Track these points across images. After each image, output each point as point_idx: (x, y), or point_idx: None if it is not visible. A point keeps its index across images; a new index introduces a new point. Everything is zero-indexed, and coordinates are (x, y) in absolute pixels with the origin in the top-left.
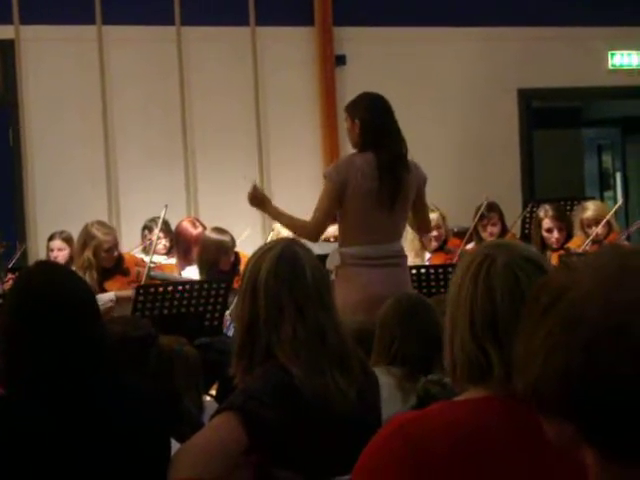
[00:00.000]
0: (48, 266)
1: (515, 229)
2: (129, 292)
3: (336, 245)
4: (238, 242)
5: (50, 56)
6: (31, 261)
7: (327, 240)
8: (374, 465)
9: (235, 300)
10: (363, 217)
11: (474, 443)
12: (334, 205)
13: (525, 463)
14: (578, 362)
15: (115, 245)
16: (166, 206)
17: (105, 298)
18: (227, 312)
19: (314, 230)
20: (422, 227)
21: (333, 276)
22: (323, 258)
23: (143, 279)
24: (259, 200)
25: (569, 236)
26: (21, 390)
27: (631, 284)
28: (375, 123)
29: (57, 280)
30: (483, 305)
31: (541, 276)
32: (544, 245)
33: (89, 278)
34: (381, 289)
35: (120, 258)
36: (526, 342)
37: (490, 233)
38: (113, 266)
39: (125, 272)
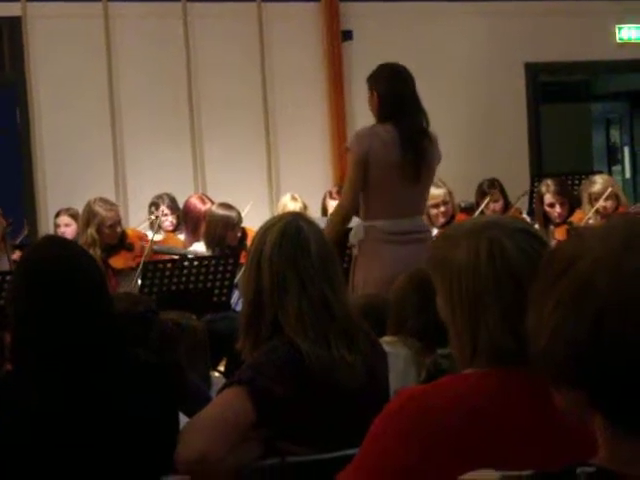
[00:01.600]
0: (54, 240)
1: (520, 204)
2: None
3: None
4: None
5: (57, 33)
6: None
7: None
8: (383, 436)
9: (241, 275)
10: (387, 189)
11: (481, 415)
12: (361, 175)
13: (535, 434)
14: (588, 331)
15: (118, 221)
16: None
17: None
18: (235, 285)
19: (348, 206)
20: None
21: (356, 251)
22: None
23: (145, 254)
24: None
25: (572, 210)
26: (29, 366)
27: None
28: (393, 94)
29: (64, 254)
30: (509, 289)
31: (536, 242)
32: (547, 220)
33: (93, 254)
34: (404, 267)
35: (124, 234)
36: (537, 310)
37: (492, 209)
38: (117, 242)
39: (129, 247)
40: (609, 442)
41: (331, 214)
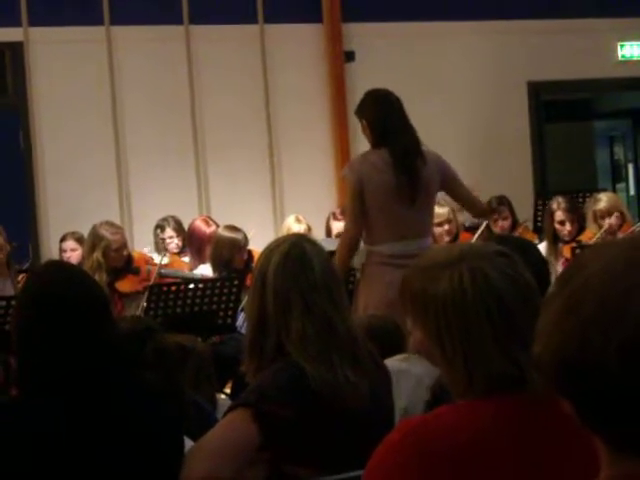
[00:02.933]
0: (58, 266)
1: (527, 222)
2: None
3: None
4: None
5: (59, 58)
6: (40, 261)
7: (338, 236)
8: (383, 469)
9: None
10: (384, 213)
11: (477, 446)
12: (358, 203)
13: (531, 464)
14: (573, 346)
15: (124, 244)
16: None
17: None
18: (240, 309)
19: (352, 233)
20: (475, 211)
21: (359, 274)
22: (333, 254)
23: (153, 277)
24: None
25: (581, 229)
26: (35, 391)
27: (633, 276)
28: (381, 119)
29: (68, 279)
30: (500, 315)
31: (513, 263)
32: (556, 237)
33: (99, 279)
34: None
35: (130, 257)
36: (543, 314)
37: (501, 227)
38: (123, 266)
39: (135, 271)
40: (607, 460)
41: (339, 245)
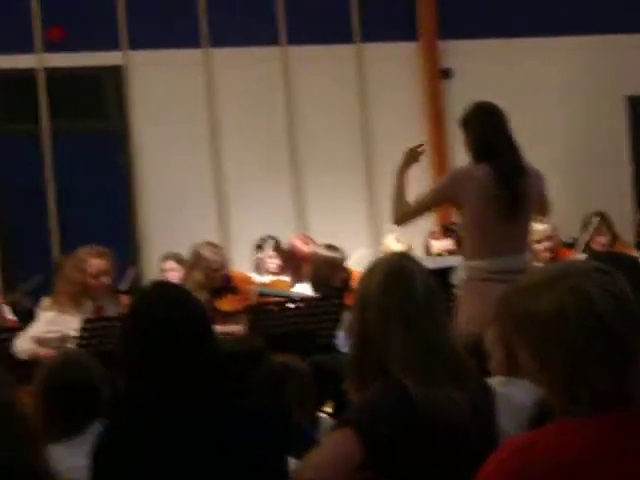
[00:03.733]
0: (163, 286)
1: (627, 237)
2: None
3: (447, 259)
4: (350, 261)
5: (158, 80)
6: (144, 282)
7: (438, 255)
8: None
9: (347, 316)
10: (485, 229)
11: (583, 464)
12: (435, 203)
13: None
14: None
15: (224, 264)
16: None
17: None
18: (340, 328)
19: (403, 214)
20: (540, 211)
21: (458, 291)
22: (436, 272)
23: (253, 297)
24: (406, 160)
25: None
26: (142, 411)
27: None
28: (485, 134)
29: (174, 299)
30: (603, 333)
31: (612, 279)
32: None
33: (200, 298)
34: None
35: (230, 277)
36: None
37: (600, 243)
38: (223, 285)
39: (235, 290)
40: None
41: (394, 204)
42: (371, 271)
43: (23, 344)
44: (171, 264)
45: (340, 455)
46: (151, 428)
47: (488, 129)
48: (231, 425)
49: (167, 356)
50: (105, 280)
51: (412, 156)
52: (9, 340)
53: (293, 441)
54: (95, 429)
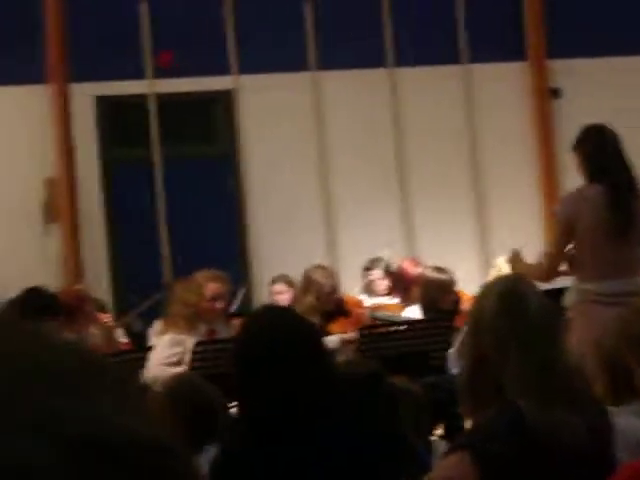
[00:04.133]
0: (275, 310)
1: None
2: (352, 335)
3: (560, 281)
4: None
5: (267, 104)
6: (254, 304)
7: None
8: None
9: (458, 338)
10: (596, 250)
11: None
12: (564, 240)
13: None
14: None
15: (335, 288)
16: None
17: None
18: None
19: (547, 268)
20: None
21: (570, 313)
22: (549, 293)
23: (364, 320)
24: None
25: None
26: (259, 435)
27: None
28: (597, 155)
29: (285, 323)
30: None
31: None
32: None
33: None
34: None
35: (340, 300)
36: None
37: None
38: (335, 309)
39: (347, 314)
40: None
41: (534, 272)
42: (484, 294)
43: (157, 372)
44: (280, 287)
45: (456, 478)
46: (267, 452)
47: (600, 150)
48: (346, 447)
49: (279, 379)
50: (220, 304)
51: (517, 258)
52: (127, 362)
53: (407, 464)
54: (210, 453)
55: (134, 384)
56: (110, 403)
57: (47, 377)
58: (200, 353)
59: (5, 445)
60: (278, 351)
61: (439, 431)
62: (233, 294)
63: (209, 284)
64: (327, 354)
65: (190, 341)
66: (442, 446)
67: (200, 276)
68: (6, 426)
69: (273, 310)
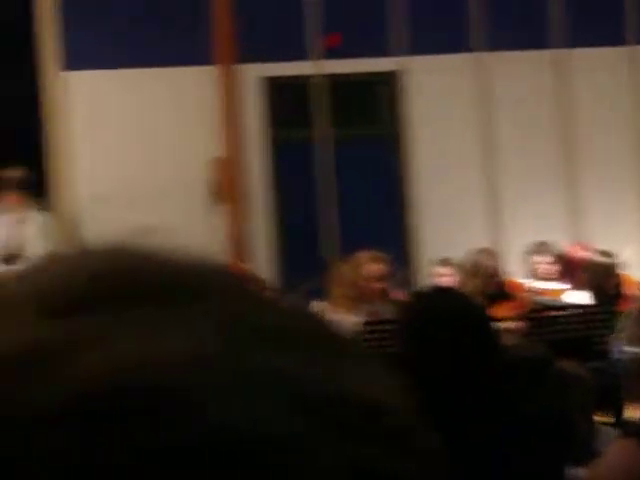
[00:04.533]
0: (449, 292)
1: None
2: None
3: None
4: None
5: (432, 85)
6: (415, 285)
7: None
8: None
9: (624, 323)
10: None
11: None
12: None
13: None
14: None
15: (499, 271)
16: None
17: None
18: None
19: None
20: None
21: None
22: None
23: (528, 304)
24: None
25: None
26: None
27: None
28: None
29: (460, 305)
30: None
31: None
32: None
33: None
34: None
35: (503, 283)
36: None
37: None
38: (498, 292)
39: (510, 297)
40: None
41: None
42: None
43: None
44: (445, 269)
45: (624, 467)
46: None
47: None
48: (515, 431)
49: (451, 361)
50: (381, 285)
51: None
52: None
53: (574, 449)
54: None
55: (366, 352)
56: (350, 369)
57: (285, 340)
58: (368, 333)
59: (251, 414)
60: (453, 332)
61: (603, 417)
62: (394, 275)
63: (369, 265)
64: (497, 337)
65: (349, 320)
66: (607, 432)
67: (361, 256)
68: (244, 392)
69: (446, 292)
